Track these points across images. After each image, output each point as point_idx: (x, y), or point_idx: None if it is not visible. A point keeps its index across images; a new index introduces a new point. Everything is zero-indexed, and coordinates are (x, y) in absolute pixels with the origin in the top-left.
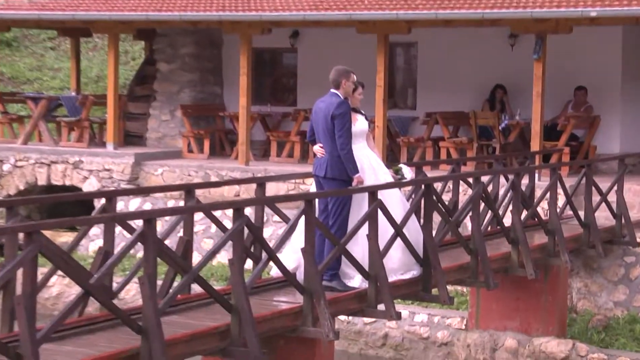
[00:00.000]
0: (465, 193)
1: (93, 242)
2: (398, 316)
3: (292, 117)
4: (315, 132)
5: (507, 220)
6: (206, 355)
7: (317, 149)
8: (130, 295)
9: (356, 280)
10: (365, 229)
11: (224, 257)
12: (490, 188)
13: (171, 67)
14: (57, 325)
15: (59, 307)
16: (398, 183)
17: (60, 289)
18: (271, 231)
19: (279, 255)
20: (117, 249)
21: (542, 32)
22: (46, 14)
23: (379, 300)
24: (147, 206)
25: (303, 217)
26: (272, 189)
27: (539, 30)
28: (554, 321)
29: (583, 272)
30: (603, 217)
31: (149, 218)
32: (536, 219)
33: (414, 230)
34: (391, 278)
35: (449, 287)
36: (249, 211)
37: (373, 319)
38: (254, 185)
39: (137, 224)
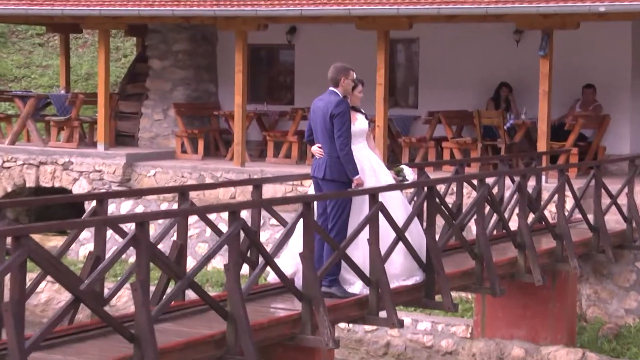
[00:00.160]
0: (469, 195)
1: (83, 246)
2: (400, 324)
3: (290, 117)
4: (314, 131)
5: (513, 224)
6: None
7: (316, 149)
8: (122, 301)
9: (357, 287)
10: (365, 233)
11: (219, 262)
12: (495, 190)
13: (164, 65)
14: (47, 333)
15: (48, 314)
16: (400, 185)
17: (49, 295)
18: (268, 235)
19: (276, 260)
20: (109, 254)
21: (549, 28)
22: (34, 9)
23: (380, 307)
24: (140, 209)
25: (301, 220)
26: (268, 191)
27: (546, 25)
28: (562, 329)
29: (593, 278)
30: (613, 221)
31: (142, 221)
32: (543, 223)
33: (416, 234)
34: (393, 284)
35: (453, 294)
36: (245, 214)
37: (374, 327)
38: (250, 187)
39: (129, 227)
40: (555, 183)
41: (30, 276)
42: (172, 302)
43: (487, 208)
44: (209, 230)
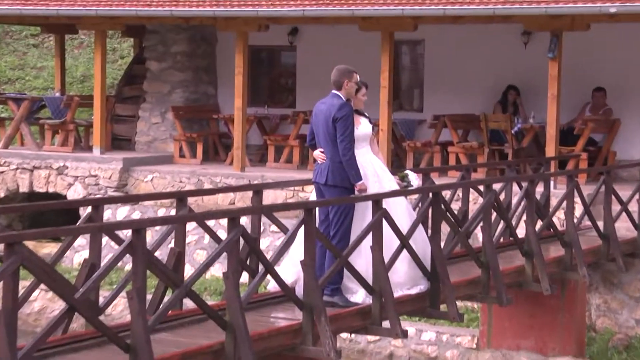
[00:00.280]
0: (475, 202)
1: (78, 253)
2: (404, 334)
3: (291, 120)
4: (316, 135)
5: (521, 231)
6: None
7: (318, 154)
8: (118, 310)
9: (359, 295)
10: (368, 240)
11: (218, 270)
12: (502, 196)
13: (162, 66)
14: (40, 344)
15: (41, 323)
16: (404, 191)
17: (43, 304)
18: (268, 242)
19: (276, 268)
20: (104, 261)
21: (558, 29)
22: (29, 9)
23: (383, 316)
24: (136, 215)
25: (302, 227)
26: (269, 197)
27: (555, 27)
28: (571, 340)
29: (602, 287)
30: (624, 228)
31: (138, 228)
32: (552, 230)
33: (421, 241)
34: (397, 293)
35: (459, 303)
36: (244, 221)
37: (377, 337)
38: (250, 193)
39: (126, 234)
40: (564, 189)
41: (23, 284)
42: (170, 312)
43: (494, 215)
44: (207, 237)
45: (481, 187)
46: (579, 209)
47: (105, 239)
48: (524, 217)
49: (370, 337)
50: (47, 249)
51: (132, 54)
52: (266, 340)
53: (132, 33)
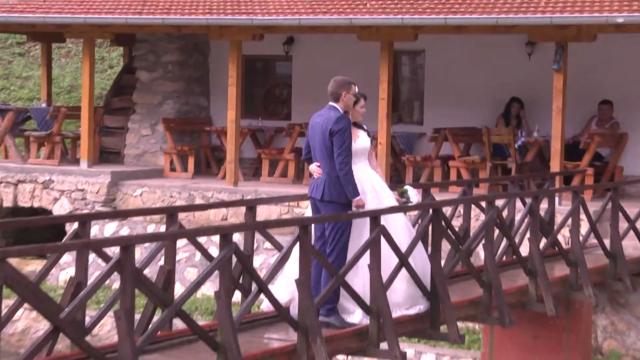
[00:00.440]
0: (477, 218)
1: (64, 271)
2: (403, 356)
3: (286, 133)
4: (312, 149)
5: (524, 250)
6: None
7: (314, 168)
8: (105, 331)
9: (356, 316)
10: (366, 258)
11: (209, 288)
12: (505, 213)
13: (152, 77)
14: None
15: (25, 344)
16: (403, 207)
17: (26, 324)
18: (262, 260)
19: (270, 287)
20: (91, 279)
21: (563, 40)
22: (14, 17)
23: (381, 338)
24: (125, 231)
25: (297, 244)
26: (263, 213)
27: (560, 37)
28: None
29: (609, 308)
30: (631, 247)
31: (127, 245)
32: (556, 248)
33: (420, 259)
34: (395, 313)
35: (460, 324)
36: (237, 237)
37: (375, 359)
38: (243, 209)
39: (114, 251)
40: (569, 206)
41: (7, 303)
42: (159, 332)
43: (497, 232)
44: (198, 255)
45: (483, 204)
46: (584, 227)
47: (92, 256)
48: (528, 235)
49: (368, 359)
50: (31, 267)
51: (122, 63)
52: None
53: (121, 42)
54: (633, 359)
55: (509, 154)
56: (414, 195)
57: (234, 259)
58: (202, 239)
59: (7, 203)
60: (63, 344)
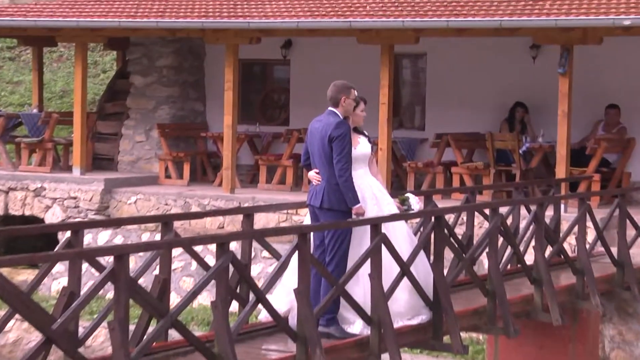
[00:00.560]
0: (481, 226)
1: (56, 280)
2: None
3: (284, 139)
4: (311, 155)
5: (529, 258)
6: None
7: (313, 175)
8: (99, 342)
9: (357, 326)
10: (367, 267)
11: (206, 298)
12: (509, 220)
13: (147, 81)
14: None
15: (16, 355)
16: (404, 214)
17: (18, 335)
18: (260, 269)
19: (268, 296)
20: (84, 289)
21: (569, 43)
22: (5, 20)
23: (382, 348)
24: (119, 240)
25: (296, 253)
26: (260, 221)
27: (565, 40)
28: None
29: (617, 317)
30: (639, 255)
31: (121, 254)
32: (562, 257)
33: (422, 268)
34: (397, 323)
35: (463, 334)
36: (234, 246)
37: None
38: (240, 217)
39: (107, 260)
40: (575, 213)
41: None
42: (154, 343)
43: (501, 240)
44: (194, 264)
45: (487, 211)
46: (591, 234)
47: (85, 266)
48: (533, 243)
49: None
50: (23, 276)
51: (115, 67)
52: None
53: (114, 46)
54: None
55: (513, 160)
56: (416, 203)
57: (231, 268)
58: (198, 248)
59: None
60: (55, 356)
